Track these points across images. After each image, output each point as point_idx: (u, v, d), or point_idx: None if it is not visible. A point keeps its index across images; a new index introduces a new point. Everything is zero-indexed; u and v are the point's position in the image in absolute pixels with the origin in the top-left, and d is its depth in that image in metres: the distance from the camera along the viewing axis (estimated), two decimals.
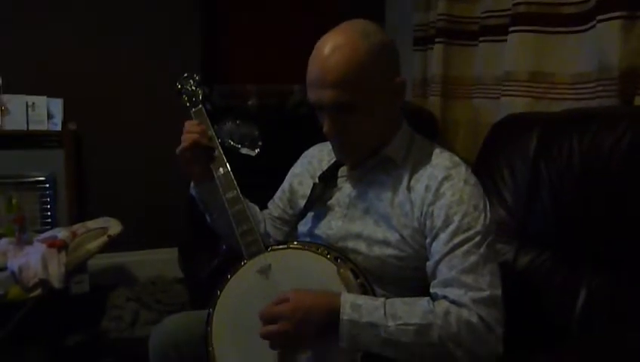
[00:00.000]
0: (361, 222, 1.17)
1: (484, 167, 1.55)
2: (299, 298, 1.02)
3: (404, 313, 0.99)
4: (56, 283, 1.99)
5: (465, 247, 1.02)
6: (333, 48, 1.05)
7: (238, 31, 2.94)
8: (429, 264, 1.07)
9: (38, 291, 1.98)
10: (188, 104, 1.33)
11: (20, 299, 1.98)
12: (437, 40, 2.24)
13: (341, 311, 0.99)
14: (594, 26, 1.56)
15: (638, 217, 1.19)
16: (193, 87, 1.34)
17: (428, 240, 1.08)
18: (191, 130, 1.24)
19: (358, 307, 1.00)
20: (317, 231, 1.22)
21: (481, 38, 2.07)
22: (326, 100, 1.07)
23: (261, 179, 1.43)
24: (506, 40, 1.87)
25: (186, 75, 1.37)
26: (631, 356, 0.98)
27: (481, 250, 1.03)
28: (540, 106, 1.78)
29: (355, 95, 1.06)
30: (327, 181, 1.24)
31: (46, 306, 2.06)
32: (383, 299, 1.02)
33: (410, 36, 2.50)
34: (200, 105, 1.32)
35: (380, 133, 1.15)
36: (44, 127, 2.51)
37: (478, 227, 1.04)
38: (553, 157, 1.37)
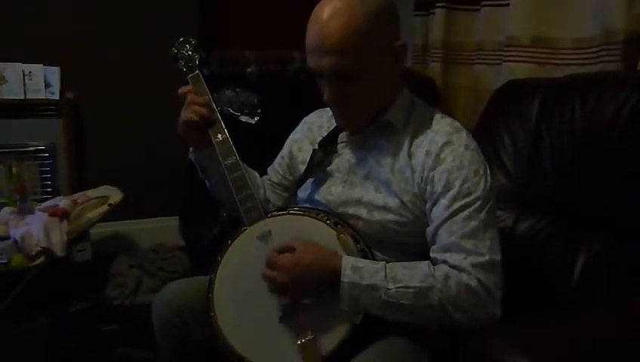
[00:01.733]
0: (361, 187, 1.17)
1: (485, 134, 1.54)
2: (302, 252, 1.05)
3: (404, 276, 1.00)
4: (58, 251, 2.00)
5: (465, 213, 1.03)
6: (330, 14, 1.04)
7: None
8: (429, 229, 1.07)
9: (40, 259, 1.99)
10: (184, 69, 1.31)
11: (23, 267, 1.99)
12: (438, 5, 2.20)
13: (342, 273, 1.01)
14: None
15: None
16: (189, 52, 1.32)
17: (428, 206, 1.08)
18: (196, 102, 1.22)
19: (359, 269, 1.01)
20: (317, 197, 1.22)
21: (482, 3, 2.04)
22: (325, 67, 1.06)
23: (261, 146, 1.43)
24: (508, 4, 1.84)
25: (181, 39, 1.34)
26: (628, 320, 0.99)
27: (481, 215, 1.03)
28: (542, 72, 1.76)
29: (355, 61, 1.04)
30: (326, 147, 1.24)
31: (49, 274, 2.08)
32: (383, 263, 1.03)
33: (412, 1, 2.45)
34: (197, 71, 1.30)
35: (381, 98, 1.14)
36: (41, 95, 2.48)
37: (479, 192, 1.04)
38: (555, 123, 1.36)
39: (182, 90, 1.25)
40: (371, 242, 1.11)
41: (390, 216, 1.11)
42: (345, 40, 1.02)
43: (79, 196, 2.26)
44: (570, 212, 1.32)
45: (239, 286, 1.14)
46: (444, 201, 1.05)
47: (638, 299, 1.09)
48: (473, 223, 1.02)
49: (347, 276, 1.01)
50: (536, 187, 1.39)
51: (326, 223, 1.11)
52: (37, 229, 1.99)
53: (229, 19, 2.91)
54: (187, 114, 1.22)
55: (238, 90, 2.16)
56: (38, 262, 1.99)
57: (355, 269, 1.01)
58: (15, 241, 1.97)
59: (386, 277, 1.00)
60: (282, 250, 1.06)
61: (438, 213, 1.05)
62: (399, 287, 0.99)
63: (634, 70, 1.47)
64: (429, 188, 1.08)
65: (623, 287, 1.17)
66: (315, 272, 1.03)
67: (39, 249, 1.97)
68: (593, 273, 1.23)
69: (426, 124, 1.14)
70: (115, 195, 2.30)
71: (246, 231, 1.17)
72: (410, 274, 1.00)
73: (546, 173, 1.37)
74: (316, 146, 1.26)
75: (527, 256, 1.35)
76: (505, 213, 1.42)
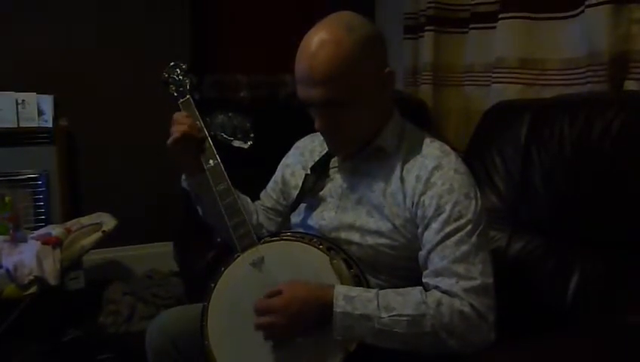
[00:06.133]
0: (353, 212, 1.17)
1: (475, 155, 1.55)
2: (292, 291, 1.03)
3: (397, 304, 1.00)
4: (51, 280, 1.99)
5: (456, 236, 1.03)
6: (318, 45, 1.05)
7: (228, 19, 2.92)
8: (422, 254, 1.07)
9: (33, 288, 1.97)
10: (175, 94, 1.31)
11: (15, 297, 1.97)
12: (427, 28, 2.24)
13: (334, 303, 1.00)
14: (583, 11, 1.57)
15: (629, 201, 1.20)
16: (180, 77, 1.32)
17: (420, 230, 1.08)
18: (180, 122, 1.23)
19: (352, 299, 1.01)
20: (310, 222, 1.23)
21: (471, 25, 2.07)
22: (315, 98, 1.07)
23: (254, 171, 1.43)
24: (495, 27, 1.87)
25: (172, 63, 1.34)
26: (623, 339, 0.99)
27: (473, 238, 1.03)
28: (530, 93, 1.79)
29: (344, 90, 1.05)
30: (319, 172, 1.24)
31: (42, 303, 2.06)
32: (376, 291, 1.03)
33: (401, 25, 2.49)
34: (188, 96, 1.30)
35: (371, 124, 1.15)
36: (34, 124, 2.49)
37: (469, 215, 1.05)
38: (544, 143, 1.38)
39: (176, 115, 1.26)
40: (365, 267, 1.11)
41: (383, 240, 1.11)
42: (333, 70, 1.03)
43: (72, 223, 2.25)
44: (562, 231, 1.33)
45: (233, 314, 1.13)
46: (435, 225, 1.05)
47: (633, 318, 1.09)
48: (464, 247, 1.02)
49: (340, 306, 1.00)
50: (528, 207, 1.40)
51: (319, 248, 1.11)
52: (30, 258, 1.97)
53: (222, 44, 2.93)
54: (172, 133, 1.22)
55: (230, 114, 2.17)
56: (31, 291, 1.97)
57: (347, 299, 1.01)
58: (8, 271, 1.95)
59: (378, 306, 0.99)
60: (270, 296, 1.05)
61: (429, 237, 1.06)
62: (392, 316, 0.98)
63: (620, 90, 1.49)
64: (420, 212, 1.08)
65: (617, 305, 1.17)
66: (309, 306, 1.02)
67: (32, 278, 1.95)
68: (587, 291, 1.24)
69: (417, 148, 1.15)
70: (108, 222, 2.29)
71: (239, 258, 1.16)
72: (402, 302, 1.00)
73: (537, 192, 1.38)
74: (308, 171, 1.26)
75: (520, 276, 1.35)
76: (498, 234, 1.42)
